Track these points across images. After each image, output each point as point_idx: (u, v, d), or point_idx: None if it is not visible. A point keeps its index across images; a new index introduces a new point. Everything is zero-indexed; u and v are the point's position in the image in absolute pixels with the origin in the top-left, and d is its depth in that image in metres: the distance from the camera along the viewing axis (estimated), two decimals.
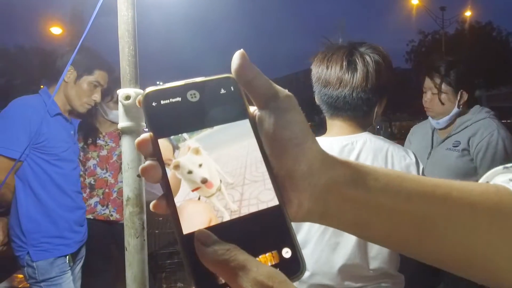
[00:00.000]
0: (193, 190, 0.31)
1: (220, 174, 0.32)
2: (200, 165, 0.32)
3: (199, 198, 0.31)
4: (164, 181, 0.31)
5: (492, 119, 1.88)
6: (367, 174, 0.35)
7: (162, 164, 0.31)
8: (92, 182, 2.15)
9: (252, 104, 0.35)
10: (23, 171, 1.75)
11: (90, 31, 1.15)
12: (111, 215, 2.16)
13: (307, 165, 0.32)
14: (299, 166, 0.32)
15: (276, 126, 0.33)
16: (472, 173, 1.87)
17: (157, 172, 0.31)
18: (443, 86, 1.93)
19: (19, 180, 1.77)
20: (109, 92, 2.10)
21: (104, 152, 2.19)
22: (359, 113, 1.12)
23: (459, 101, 1.91)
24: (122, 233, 0.93)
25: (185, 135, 0.32)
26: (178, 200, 0.30)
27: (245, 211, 0.31)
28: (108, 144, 2.21)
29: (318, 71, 1.13)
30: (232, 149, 0.33)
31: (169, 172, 0.31)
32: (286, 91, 0.34)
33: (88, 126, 2.19)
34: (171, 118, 0.32)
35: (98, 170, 2.17)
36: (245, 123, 0.34)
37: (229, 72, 0.35)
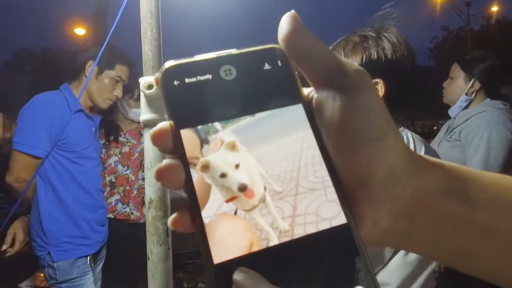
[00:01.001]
0: (227, 201, 0.23)
1: (265, 179, 0.24)
2: (237, 166, 0.23)
3: (235, 212, 0.23)
4: (188, 187, 0.23)
5: (491, 112, 1.79)
6: (470, 181, 0.25)
7: (185, 163, 0.23)
8: (113, 180, 2.13)
9: (306, 85, 0.26)
10: (44, 169, 1.73)
11: (114, 29, 1.11)
12: (132, 213, 2.14)
13: (388, 168, 0.23)
14: (376, 170, 0.23)
15: (344, 113, 0.24)
16: (463, 163, 1.78)
17: (178, 174, 0.23)
18: (457, 71, 1.92)
19: (40, 178, 1.74)
20: (129, 90, 2.05)
21: (126, 149, 2.17)
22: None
23: (469, 89, 1.88)
24: (142, 233, 0.86)
25: (217, 124, 0.24)
26: (207, 214, 0.22)
27: (299, 232, 0.22)
28: (130, 141, 2.19)
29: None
30: (281, 145, 0.24)
31: (195, 175, 0.23)
32: (356, 64, 0.25)
33: (110, 123, 2.16)
34: (198, 102, 0.24)
35: (120, 167, 2.15)
36: (298, 109, 0.25)
37: (275, 42, 0.26)
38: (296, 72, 0.26)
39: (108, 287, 2.04)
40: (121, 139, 2.18)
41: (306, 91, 0.26)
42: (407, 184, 0.24)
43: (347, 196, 0.24)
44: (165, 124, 0.23)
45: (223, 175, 0.23)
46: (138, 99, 2.12)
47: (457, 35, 22.76)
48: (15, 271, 2.55)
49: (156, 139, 0.23)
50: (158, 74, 0.24)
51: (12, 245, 1.78)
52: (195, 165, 0.23)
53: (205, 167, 0.23)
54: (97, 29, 6.45)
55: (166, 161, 0.23)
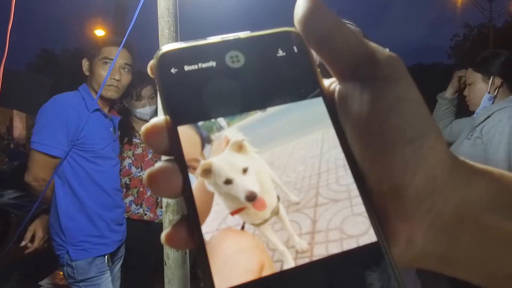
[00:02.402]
0: (232, 213, 0.19)
1: (278, 187, 0.20)
2: (245, 171, 0.20)
3: (242, 227, 0.19)
4: (186, 196, 0.19)
5: None
6: None
7: (183, 167, 0.19)
8: (128, 182, 2.16)
9: (327, 75, 0.22)
10: (61, 168, 1.75)
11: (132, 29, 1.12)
12: (145, 214, 2.16)
13: (427, 176, 0.20)
14: (413, 178, 0.19)
15: (374, 107, 0.20)
16: (485, 162, 1.68)
17: (173, 180, 0.19)
18: (473, 75, 1.88)
19: (57, 177, 1.76)
20: (128, 92, 2.05)
21: (139, 150, 2.19)
22: None
23: (490, 87, 1.82)
24: (157, 232, 0.83)
25: (221, 120, 0.20)
26: (208, 229, 0.18)
27: (320, 252, 0.19)
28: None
29: None
30: (297, 146, 0.21)
31: (195, 181, 0.19)
32: (387, 50, 0.21)
33: (125, 125, 2.17)
34: (199, 94, 0.20)
35: (133, 169, 2.17)
36: (318, 104, 0.21)
37: (290, 25, 0.22)
38: (316, 60, 0.22)
39: (125, 285, 2.05)
40: (135, 140, 2.20)
41: (327, 82, 0.23)
42: (450, 196, 0.20)
43: (377, 209, 0.20)
44: (160, 119, 0.20)
45: (228, 182, 0.19)
46: (138, 99, 2.15)
47: (478, 32, 22.25)
48: (36, 269, 2.59)
49: (149, 138, 0.20)
50: (152, 61, 0.21)
51: (32, 242, 1.80)
52: (194, 169, 0.19)
53: (207, 172, 0.19)
54: (115, 30, 6.57)
55: (159, 164, 0.19)
